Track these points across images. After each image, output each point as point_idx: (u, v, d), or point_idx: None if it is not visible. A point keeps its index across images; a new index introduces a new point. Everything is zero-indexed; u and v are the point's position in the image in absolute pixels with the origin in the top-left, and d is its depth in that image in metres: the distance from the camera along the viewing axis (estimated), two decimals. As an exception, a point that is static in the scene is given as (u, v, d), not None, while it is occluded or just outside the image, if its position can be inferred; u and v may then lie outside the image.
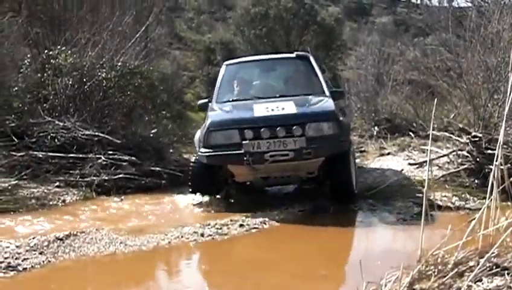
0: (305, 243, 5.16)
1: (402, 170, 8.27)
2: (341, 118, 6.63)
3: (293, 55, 7.83)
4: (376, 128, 12.15)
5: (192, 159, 6.93)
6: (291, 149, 6.03)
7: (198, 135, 6.72)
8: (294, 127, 6.04)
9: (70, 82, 9.17)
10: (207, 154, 6.29)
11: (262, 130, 6.06)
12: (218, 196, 6.72)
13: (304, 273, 4.38)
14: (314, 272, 4.45)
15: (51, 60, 9.50)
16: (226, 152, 6.18)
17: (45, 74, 9.49)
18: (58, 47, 9.71)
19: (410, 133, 10.83)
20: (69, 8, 12.06)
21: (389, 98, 13.40)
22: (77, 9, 11.88)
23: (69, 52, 9.56)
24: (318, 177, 6.60)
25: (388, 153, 10.05)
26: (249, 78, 7.88)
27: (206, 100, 7.48)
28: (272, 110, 6.32)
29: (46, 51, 9.97)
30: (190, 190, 6.72)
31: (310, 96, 6.93)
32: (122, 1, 13.91)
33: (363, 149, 11.02)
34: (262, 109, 6.38)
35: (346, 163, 6.41)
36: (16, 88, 9.44)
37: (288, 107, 6.36)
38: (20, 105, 9.29)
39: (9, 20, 10.26)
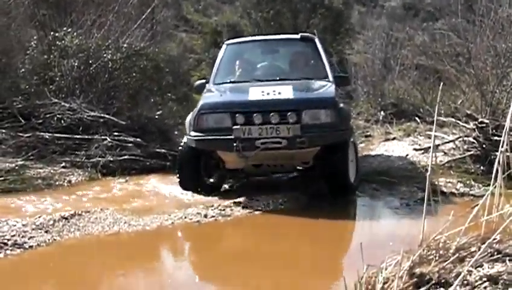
0: (307, 225, 5.18)
1: (407, 155, 8.26)
2: (341, 106, 6.21)
3: (298, 36, 7.41)
4: (382, 112, 12.11)
5: (182, 143, 6.49)
6: (284, 137, 5.68)
7: (189, 117, 6.39)
8: (289, 114, 5.68)
9: (76, 64, 9.18)
10: (196, 138, 6.00)
11: (254, 115, 5.72)
12: (211, 180, 6.49)
13: (305, 254, 4.42)
14: (316, 253, 4.49)
15: (57, 42, 9.50)
16: (215, 137, 5.87)
17: (51, 56, 9.50)
18: (64, 29, 9.72)
19: (417, 118, 10.79)
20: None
21: (396, 82, 13.34)
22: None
23: (75, 33, 9.57)
24: (313, 167, 6.24)
25: (394, 138, 10.02)
26: (249, 59, 7.54)
27: (204, 81, 7.14)
28: (268, 94, 5.96)
29: (52, 33, 9.97)
30: (178, 179, 6.39)
31: (312, 81, 6.64)
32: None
33: (368, 134, 11.00)
34: (257, 93, 6.02)
35: (343, 154, 6.03)
36: (23, 70, 9.47)
37: (285, 91, 6.02)
38: (27, 86, 9.32)
39: (16, 1, 10.24)
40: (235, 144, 5.69)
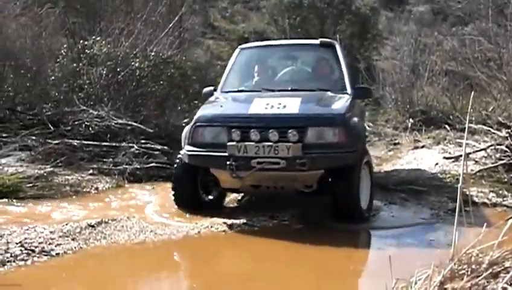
0: (334, 237, 5.11)
1: (437, 163, 8.12)
2: (353, 124, 5.54)
3: (317, 42, 6.76)
4: (411, 120, 11.94)
5: (178, 157, 6.01)
6: (283, 157, 5.12)
7: (186, 129, 5.88)
8: (289, 131, 5.15)
9: (104, 72, 9.28)
10: (190, 153, 5.52)
11: (252, 131, 5.22)
12: (210, 197, 6.04)
13: (331, 266, 4.36)
14: (343, 265, 4.43)
15: (86, 50, 9.63)
16: (209, 153, 5.38)
17: (81, 64, 9.62)
18: (93, 37, 9.84)
19: (446, 126, 10.63)
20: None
21: (425, 89, 13.15)
22: (112, 0, 11.98)
23: (104, 42, 9.68)
24: (320, 191, 5.58)
25: (423, 146, 9.88)
26: (263, 66, 6.92)
27: (212, 88, 6.61)
28: (272, 107, 5.41)
29: (81, 41, 10.11)
30: (173, 197, 5.93)
31: (327, 93, 5.99)
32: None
33: (397, 141, 10.87)
34: (260, 105, 5.49)
35: (353, 178, 5.37)
36: (53, 77, 9.60)
37: (291, 105, 5.44)
38: (57, 94, 9.44)
39: (47, 11, 10.40)
40: (228, 163, 5.21)
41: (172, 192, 5.91)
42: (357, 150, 5.36)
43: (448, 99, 12.28)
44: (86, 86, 9.28)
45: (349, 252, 4.76)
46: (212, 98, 6.30)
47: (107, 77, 9.31)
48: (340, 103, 5.72)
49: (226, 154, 5.24)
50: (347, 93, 6.01)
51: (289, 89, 6.12)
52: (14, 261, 4.15)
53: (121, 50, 9.61)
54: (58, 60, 9.90)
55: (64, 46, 10.68)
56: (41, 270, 4.15)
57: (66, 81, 9.68)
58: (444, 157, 8.39)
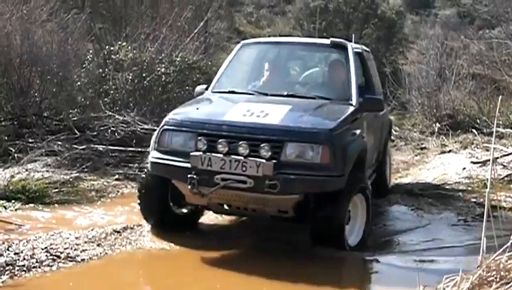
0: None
1: (464, 168, 8.02)
2: (344, 142, 4.66)
3: (328, 41, 5.92)
4: (437, 124, 11.81)
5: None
6: (251, 176, 4.34)
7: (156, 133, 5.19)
8: (262, 145, 4.39)
9: (130, 77, 9.34)
10: (153, 159, 4.87)
11: (219, 141, 4.48)
12: (183, 210, 5.32)
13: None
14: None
15: (112, 56, 9.71)
16: (172, 162, 4.69)
17: (106, 69, 9.71)
18: (119, 42, 9.92)
19: (474, 130, 10.49)
20: (130, 4, 12.30)
21: (452, 93, 12.99)
22: (138, 5, 12.09)
23: (130, 47, 9.75)
24: (297, 219, 4.79)
25: (450, 151, 9.75)
26: (263, 65, 6.09)
27: (205, 87, 5.91)
28: (251, 114, 4.70)
29: (107, 47, 10.20)
30: (140, 209, 5.26)
31: (326, 102, 5.22)
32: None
33: (423, 146, 10.75)
34: (239, 111, 4.79)
35: (336, 209, 4.53)
36: (79, 83, 9.69)
37: (275, 113, 4.72)
38: (83, 99, 9.54)
39: (74, 16, 10.53)
40: (189, 176, 4.47)
41: (138, 202, 5.24)
42: (344, 174, 4.47)
43: (475, 103, 12.13)
44: (111, 92, 9.36)
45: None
46: (197, 98, 5.70)
47: (133, 82, 9.38)
48: (336, 115, 4.88)
49: (189, 165, 4.52)
50: (351, 104, 5.20)
51: (284, 94, 5.35)
52: (39, 267, 4.20)
53: (146, 55, 9.67)
54: (84, 65, 10.01)
55: (90, 51, 10.81)
56: (66, 276, 4.18)
57: (92, 87, 9.78)
58: (472, 162, 8.28)
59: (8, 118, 8.59)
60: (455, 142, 10.37)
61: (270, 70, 5.94)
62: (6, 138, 7.84)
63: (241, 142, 4.44)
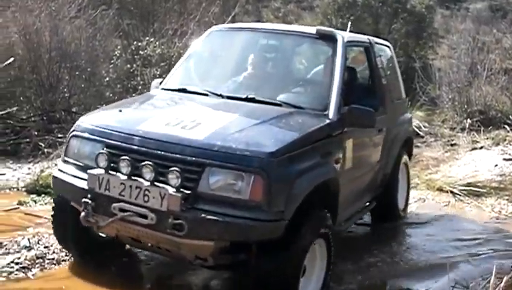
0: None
1: (496, 165, 7.85)
2: (298, 173, 3.41)
3: (313, 31, 4.64)
4: (468, 120, 11.59)
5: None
6: (154, 209, 3.29)
7: None
8: (171, 169, 3.28)
9: (158, 72, 9.36)
10: (56, 172, 3.90)
11: (122, 158, 3.43)
12: (102, 235, 3.98)
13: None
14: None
15: (140, 51, 9.76)
16: (70, 179, 3.70)
17: (135, 65, 9.76)
18: (147, 38, 9.97)
19: (506, 126, 10.26)
20: (157, 0, 12.33)
21: (483, 88, 12.75)
22: (165, 1, 12.12)
23: (157, 43, 9.78)
24: (228, 266, 3.64)
25: (481, 147, 9.56)
26: (230, 57, 4.96)
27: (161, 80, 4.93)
28: (176, 124, 3.62)
29: (135, 42, 10.26)
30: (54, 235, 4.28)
31: (290, 112, 4.02)
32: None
33: (454, 142, 10.57)
34: (164, 119, 3.73)
35: (289, 260, 3.41)
36: (107, 78, 9.76)
37: (207, 125, 3.60)
38: (111, 95, 9.60)
39: (102, 13, 10.60)
40: (84, 200, 3.49)
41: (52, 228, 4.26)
42: (284, 218, 3.27)
43: (507, 98, 11.89)
44: (139, 87, 9.39)
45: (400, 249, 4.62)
46: (137, 97, 4.92)
47: (161, 77, 9.40)
48: (291, 132, 3.74)
49: (86, 186, 3.54)
50: (325, 116, 4.01)
51: (243, 97, 4.19)
52: (69, 260, 4.25)
53: (174, 51, 9.70)
54: (112, 61, 10.09)
55: (119, 47, 10.88)
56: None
57: (120, 82, 9.84)
58: (504, 159, 8.11)
59: (37, 113, 8.70)
60: (487, 138, 10.17)
61: (237, 64, 4.82)
62: (36, 133, 7.93)
63: (146, 162, 3.34)
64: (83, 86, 9.18)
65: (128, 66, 9.99)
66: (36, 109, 8.77)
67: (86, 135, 3.77)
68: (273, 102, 4.12)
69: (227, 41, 5.10)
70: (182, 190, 3.24)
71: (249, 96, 4.17)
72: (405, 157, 5.84)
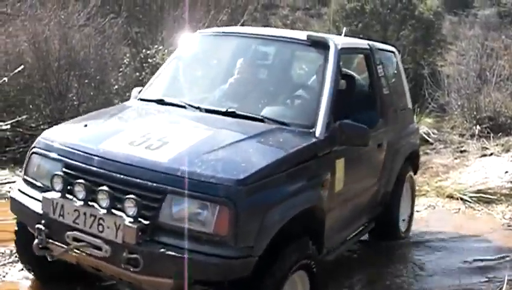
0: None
1: (506, 171, 7.80)
2: (265, 201, 3.00)
3: (304, 36, 4.19)
4: (478, 127, 11.55)
5: None
6: (109, 241, 2.95)
7: None
8: (128, 195, 2.92)
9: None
10: (13, 192, 3.61)
11: (77, 181, 3.07)
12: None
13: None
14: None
15: (149, 59, 9.79)
16: (27, 200, 3.36)
17: (143, 73, 9.79)
18: (156, 46, 10.00)
19: (516, 132, 10.22)
20: (166, 8, 12.39)
21: (493, 95, 12.71)
22: (174, 9, 12.17)
23: (166, 51, 9.80)
24: None
25: (491, 154, 9.51)
26: (213, 66, 4.69)
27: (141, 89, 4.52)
28: (141, 143, 3.25)
29: (144, 50, 10.30)
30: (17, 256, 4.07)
31: (272, 129, 3.59)
32: (218, 0, 14.10)
33: (463, 149, 10.52)
34: (129, 137, 3.35)
35: None
36: (116, 86, 9.79)
37: (176, 144, 3.23)
38: (120, 102, 9.60)
39: (110, 21, 10.65)
40: (37, 226, 3.17)
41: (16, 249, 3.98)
42: (253, 254, 2.89)
43: (517, 104, 11.83)
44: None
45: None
46: (109, 109, 4.49)
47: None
48: (268, 154, 3.27)
49: (39, 210, 3.20)
50: (312, 134, 3.60)
51: (223, 111, 3.79)
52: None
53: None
54: (121, 69, 10.12)
55: (127, 55, 10.91)
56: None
57: (129, 90, 9.84)
58: (514, 165, 8.06)
59: (47, 121, 8.71)
60: (496, 145, 10.12)
61: (222, 73, 4.47)
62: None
63: (102, 187, 2.99)
64: (92, 94, 9.21)
65: (137, 74, 10.04)
66: (45, 117, 8.79)
67: (46, 152, 3.41)
68: (255, 117, 3.72)
69: (211, 47, 4.70)
70: (140, 219, 2.88)
71: (229, 110, 3.77)
72: (410, 173, 5.41)
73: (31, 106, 8.86)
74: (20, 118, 8.07)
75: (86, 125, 3.66)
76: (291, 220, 3.11)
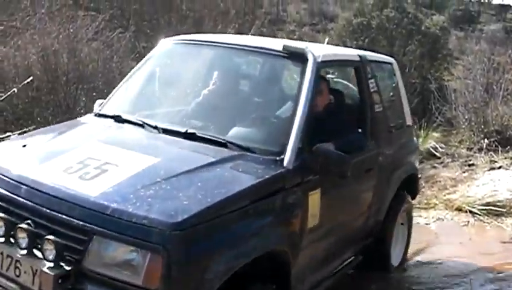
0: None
1: (515, 184, 7.76)
2: (207, 248, 2.52)
3: (279, 47, 3.59)
4: (486, 140, 11.51)
5: None
6: (25, 287, 2.58)
7: None
8: (47, 237, 2.51)
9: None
10: None
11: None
12: None
13: None
14: None
15: (156, 73, 9.82)
16: None
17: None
18: (163, 60, 10.04)
19: (524, 146, 10.17)
20: (173, 23, 12.49)
21: (500, 108, 12.67)
22: (181, 24, 12.26)
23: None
24: None
25: (499, 167, 9.46)
26: (178, 78, 4.07)
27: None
28: (78, 170, 2.82)
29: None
30: None
31: (231, 156, 3.06)
32: (225, 15, 14.21)
33: (471, 162, 10.48)
34: (65, 163, 2.91)
35: None
36: (124, 100, 9.81)
37: (115, 173, 2.78)
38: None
39: (118, 35, 10.71)
40: None
41: None
42: None
43: (524, 118, 11.79)
44: (155, 108, 9.46)
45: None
46: (61, 125, 3.99)
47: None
48: (218, 190, 2.72)
49: None
50: (279, 163, 3.06)
51: (182, 131, 3.28)
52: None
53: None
54: (129, 83, 10.16)
55: (135, 69, 10.96)
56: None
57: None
58: (523, 179, 8.01)
59: (54, 134, 8.76)
60: (505, 158, 10.06)
61: (189, 87, 3.98)
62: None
63: (21, 224, 2.58)
64: (99, 107, 9.25)
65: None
66: (53, 130, 8.84)
67: None
68: (217, 140, 3.18)
69: (178, 56, 4.17)
70: (61, 264, 2.46)
71: (189, 131, 3.25)
72: (406, 199, 4.78)
73: (39, 119, 8.89)
74: (27, 130, 8.10)
75: (24, 146, 3.25)
76: (253, 262, 2.67)
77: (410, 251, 5.15)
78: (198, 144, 3.17)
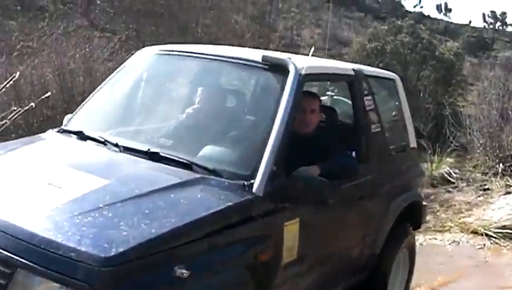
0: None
1: (532, 209, 7.65)
2: (151, 285, 2.13)
3: (259, 58, 3.17)
4: (501, 165, 11.41)
5: None
6: None
7: None
8: None
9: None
10: None
11: None
12: None
13: None
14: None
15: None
16: None
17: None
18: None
19: (540, 171, 10.05)
20: (188, 42, 12.55)
21: (515, 134, 12.60)
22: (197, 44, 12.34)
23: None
24: None
25: (515, 192, 9.37)
26: (149, 90, 3.69)
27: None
28: (9, 193, 2.53)
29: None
30: None
31: (193, 181, 2.66)
32: (240, 38, 14.28)
33: (486, 187, 10.38)
34: (6, 185, 2.63)
35: None
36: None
37: (51, 199, 2.41)
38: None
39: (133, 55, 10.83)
40: None
41: None
42: None
43: (540, 143, 11.69)
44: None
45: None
46: (20, 140, 3.56)
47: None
48: (166, 219, 2.32)
49: None
50: (247, 188, 2.64)
51: (145, 150, 2.89)
52: None
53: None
54: (143, 102, 10.24)
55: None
56: None
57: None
58: (540, 203, 7.91)
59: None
60: (520, 183, 9.98)
61: (152, 100, 3.65)
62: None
63: None
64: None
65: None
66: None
67: None
68: (182, 161, 2.77)
69: (151, 67, 3.73)
70: None
71: (151, 151, 2.86)
72: (407, 231, 4.24)
73: (53, 137, 8.96)
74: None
75: None
76: None
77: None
78: (160, 165, 2.77)
